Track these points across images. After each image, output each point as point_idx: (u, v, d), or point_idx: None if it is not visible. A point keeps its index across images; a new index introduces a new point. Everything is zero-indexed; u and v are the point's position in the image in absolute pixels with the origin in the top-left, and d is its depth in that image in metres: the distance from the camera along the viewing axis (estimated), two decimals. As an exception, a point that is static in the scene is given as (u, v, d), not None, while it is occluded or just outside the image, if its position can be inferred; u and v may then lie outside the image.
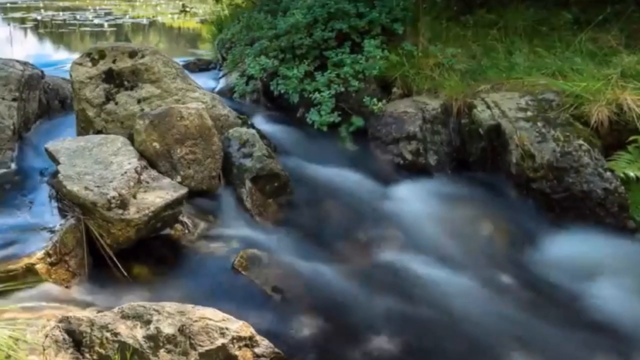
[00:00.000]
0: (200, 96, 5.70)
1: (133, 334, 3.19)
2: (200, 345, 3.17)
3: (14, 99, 5.37)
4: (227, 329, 3.25)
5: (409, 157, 5.75)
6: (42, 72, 6.20)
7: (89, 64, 5.55)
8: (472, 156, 5.74)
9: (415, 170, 5.70)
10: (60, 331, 3.27)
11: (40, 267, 3.85)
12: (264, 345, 3.34)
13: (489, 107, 5.59)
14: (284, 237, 4.85)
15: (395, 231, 4.96)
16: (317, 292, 4.25)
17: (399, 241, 4.87)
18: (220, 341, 3.20)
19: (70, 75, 5.54)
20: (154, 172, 4.71)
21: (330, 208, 5.24)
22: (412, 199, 5.30)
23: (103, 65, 5.54)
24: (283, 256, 4.56)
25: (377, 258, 4.71)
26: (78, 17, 18.50)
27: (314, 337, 3.86)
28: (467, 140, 5.78)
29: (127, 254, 4.29)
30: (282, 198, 5.24)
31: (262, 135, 5.76)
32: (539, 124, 5.28)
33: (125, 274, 4.16)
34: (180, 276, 4.28)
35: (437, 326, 4.02)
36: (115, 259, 4.20)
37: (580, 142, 5.08)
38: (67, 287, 3.95)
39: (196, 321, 3.24)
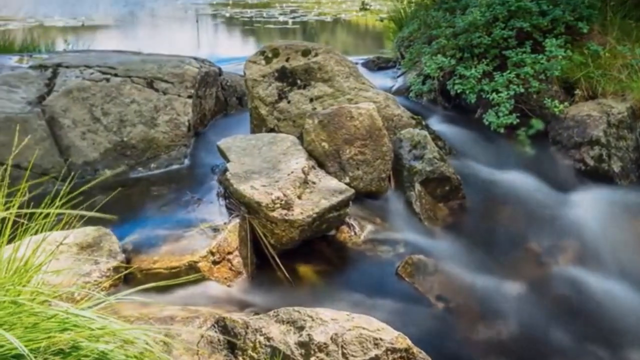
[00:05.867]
0: (372, 95, 5.60)
1: (285, 339, 3.13)
2: (352, 356, 3.06)
3: (190, 96, 5.47)
4: (381, 339, 3.12)
5: (590, 162, 5.42)
6: (219, 69, 6.31)
7: (263, 62, 5.58)
8: (661, 164, 5.35)
9: (597, 177, 5.36)
10: (215, 332, 3.27)
11: (202, 265, 3.90)
12: (421, 358, 3.20)
13: (679, 111, 5.19)
14: (453, 244, 4.66)
15: (573, 242, 4.67)
16: (483, 304, 4.07)
17: (575, 253, 4.58)
18: (373, 352, 3.08)
19: (244, 73, 5.60)
20: (321, 173, 4.66)
21: (504, 214, 5.01)
22: (592, 207, 4.96)
23: (276, 64, 5.56)
24: (450, 264, 4.38)
25: (551, 270, 4.45)
26: (264, 14, 18.98)
27: (478, 352, 3.69)
28: (655, 146, 5.38)
29: (290, 255, 4.26)
30: (453, 202, 5.06)
31: (437, 137, 5.61)
32: None
33: (287, 275, 4.11)
34: (341, 280, 4.20)
35: (616, 349, 3.77)
36: (277, 259, 4.17)
37: None
38: (228, 286, 3.97)
39: (349, 330, 3.14)
